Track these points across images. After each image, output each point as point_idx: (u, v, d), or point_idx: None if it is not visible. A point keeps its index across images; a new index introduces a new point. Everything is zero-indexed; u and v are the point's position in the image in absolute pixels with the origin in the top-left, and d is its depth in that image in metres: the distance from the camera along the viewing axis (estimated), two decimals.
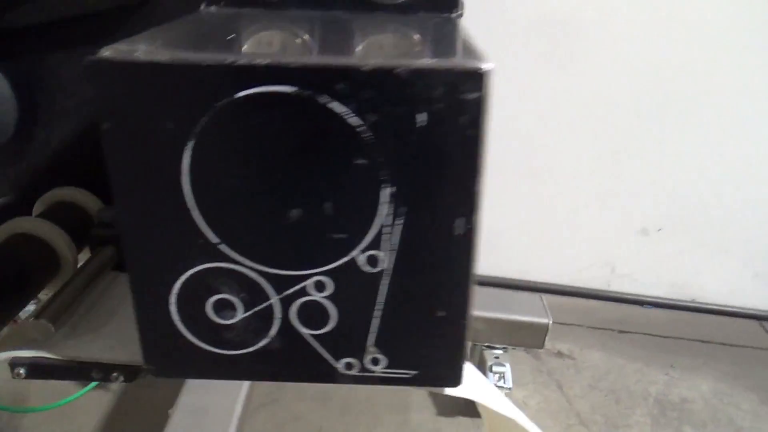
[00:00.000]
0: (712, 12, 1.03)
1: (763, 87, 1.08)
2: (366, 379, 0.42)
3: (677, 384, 1.12)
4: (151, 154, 0.35)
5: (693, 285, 1.27)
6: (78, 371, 0.43)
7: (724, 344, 1.23)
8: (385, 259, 0.38)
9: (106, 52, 0.34)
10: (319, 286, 0.39)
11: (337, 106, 0.34)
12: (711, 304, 1.26)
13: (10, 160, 0.59)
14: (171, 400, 0.99)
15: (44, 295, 0.50)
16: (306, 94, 0.34)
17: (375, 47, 0.43)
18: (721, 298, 1.26)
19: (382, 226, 0.37)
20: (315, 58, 0.34)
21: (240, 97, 0.34)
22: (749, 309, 1.26)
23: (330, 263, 0.38)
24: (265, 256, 0.38)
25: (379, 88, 0.33)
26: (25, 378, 0.43)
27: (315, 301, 0.39)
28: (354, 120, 0.34)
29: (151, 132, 0.35)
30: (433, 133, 0.34)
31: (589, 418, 1.05)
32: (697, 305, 1.26)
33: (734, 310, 1.26)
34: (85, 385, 1.08)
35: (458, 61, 0.33)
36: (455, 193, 0.36)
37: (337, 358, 0.41)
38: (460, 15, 0.55)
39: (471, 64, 0.33)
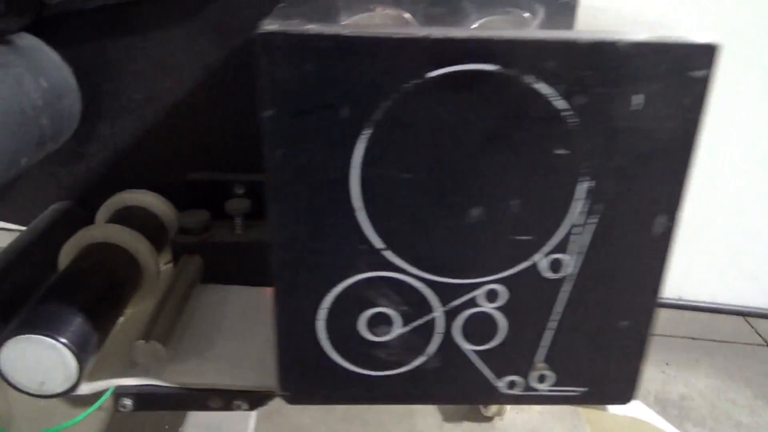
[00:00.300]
0: (702, 19, 1.03)
1: (751, 90, 1.08)
2: (529, 398, 0.37)
3: (674, 381, 1.12)
4: (318, 146, 0.30)
5: (680, 282, 1.27)
6: (193, 400, 0.38)
7: (713, 341, 1.24)
8: (570, 264, 0.33)
9: (273, 26, 0.28)
10: (491, 296, 0.34)
11: (543, 87, 0.29)
12: (698, 302, 1.26)
13: (68, 161, 0.52)
14: (169, 417, 0.92)
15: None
16: (509, 74, 0.29)
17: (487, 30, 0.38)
18: (708, 295, 1.26)
19: (572, 226, 0.32)
20: (523, 33, 0.29)
21: (432, 78, 0.29)
22: (735, 306, 1.26)
23: (507, 269, 0.33)
24: (435, 262, 0.33)
25: (595, 66, 0.29)
26: (132, 411, 0.37)
27: (484, 313, 0.34)
28: (560, 103, 0.29)
29: (321, 119, 0.29)
30: (649, 116, 0.30)
31: None
32: (683, 302, 1.27)
33: (720, 306, 1.26)
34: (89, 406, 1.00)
35: (686, 35, 0.29)
36: (661, 187, 0.32)
37: (500, 375, 0.36)
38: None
39: (700, 38, 0.29)
